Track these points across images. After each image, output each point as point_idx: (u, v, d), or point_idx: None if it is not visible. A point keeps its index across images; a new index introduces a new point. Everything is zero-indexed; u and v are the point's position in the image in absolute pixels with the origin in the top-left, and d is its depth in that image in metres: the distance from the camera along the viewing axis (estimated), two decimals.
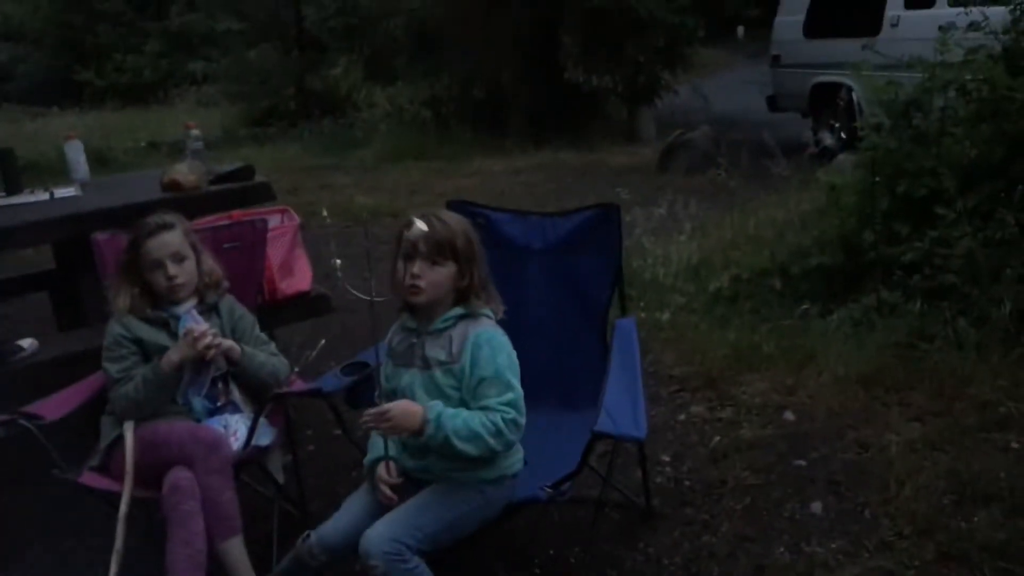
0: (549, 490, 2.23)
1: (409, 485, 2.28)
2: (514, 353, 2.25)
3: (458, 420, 2.13)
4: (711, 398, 3.59)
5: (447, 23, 12.00)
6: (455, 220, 2.29)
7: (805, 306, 4.14)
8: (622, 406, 2.27)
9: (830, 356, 3.68)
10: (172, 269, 2.61)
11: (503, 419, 2.14)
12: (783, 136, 6.37)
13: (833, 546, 2.61)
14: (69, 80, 21.31)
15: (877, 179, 4.17)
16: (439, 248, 2.21)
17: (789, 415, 3.39)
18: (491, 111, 11.72)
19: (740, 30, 21.75)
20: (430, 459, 2.26)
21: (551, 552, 2.73)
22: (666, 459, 3.19)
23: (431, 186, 9.19)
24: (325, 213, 6.78)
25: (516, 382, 2.20)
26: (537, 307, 2.79)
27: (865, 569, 2.49)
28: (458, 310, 2.26)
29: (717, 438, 3.28)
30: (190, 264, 2.65)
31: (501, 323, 2.31)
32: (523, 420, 2.19)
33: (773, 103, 9.81)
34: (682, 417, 3.49)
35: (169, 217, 2.67)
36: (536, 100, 11.41)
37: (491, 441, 2.13)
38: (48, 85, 21.40)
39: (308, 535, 2.29)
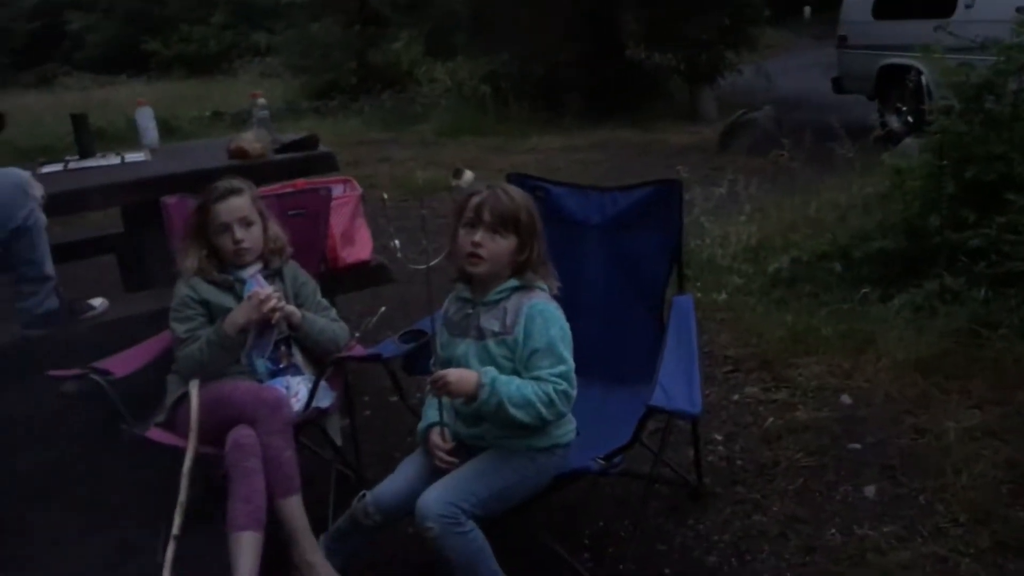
0: (601, 461, 2.24)
1: (463, 452, 2.32)
2: (567, 326, 2.27)
3: (512, 386, 2.17)
4: (766, 379, 3.57)
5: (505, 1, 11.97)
6: (519, 195, 2.32)
7: (865, 290, 4.08)
8: (677, 382, 2.28)
9: (889, 341, 3.63)
10: (239, 233, 2.68)
11: (555, 390, 2.17)
12: (848, 119, 6.27)
13: (886, 530, 2.60)
14: (137, 50, 21.74)
15: (945, 163, 4.08)
16: (503, 220, 2.24)
17: (845, 399, 3.36)
18: (550, 88, 11.67)
19: (807, 10, 21.26)
20: (483, 427, 2.29)
21: (601, 524, 2.76)
22: (719, 438, 3.19)
23: (488, 162, 9.21)
24: (385, 196, 6.85)
25: (568, 355, 2.23)
26: (593, 282, 2.80)
27: (918, 554, 2.47)
28: (513, 282, 2.29)
29: (771, 419, 3.27)
30: (256, 229, 2.72)
31: (556, 297, 2.33)
32: (574, 392, 2.22)
33: (838, 85, 9.62)
34: (736, 397, 3.48)
35: (238, 182, 2.73)
36: (595, 77, 11.34)
37: (543, 410, 2.16)
38: (117, 54, 21.89)
39: (363, 495, 2.34)
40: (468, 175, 2.32)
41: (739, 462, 3.04)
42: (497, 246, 2.25)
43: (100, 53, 22.91)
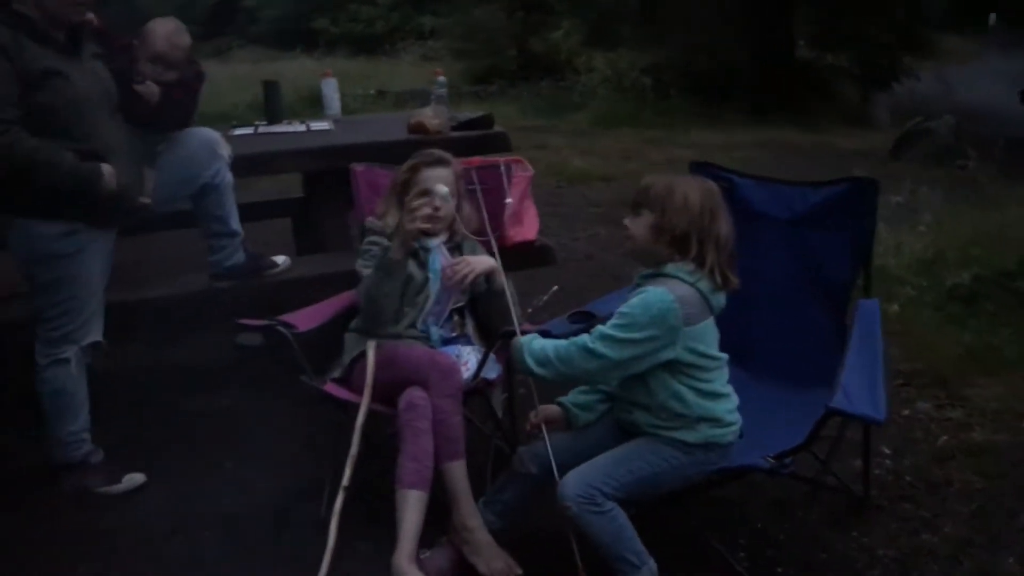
0: (772, 460, 2.20)
1: (618, 434, 2.36)
2: (666, 321, 2.14)
3: (537, 344, 2.27)
4: (940, 397, 3.41)
5: None
6: (665, 176, 2.30)
7: None
8: (860, 386, 2.21)
9: None
10: (437, 201, 2.76)
11: (577, 344, 2.20)
12: None
13: None
14: (307, 27, 22.58)
15: None
16: (635, 199, 2.27)
17: None
18: (713, 82, 11.46)
19: (992, 17, 20.12)
20: (636, 414, 2.31)
21: (758, 525, 2.69)
22: (887, 451, 3.06)
23: (645, 154, 9.14)
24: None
25: (635, 332, 2.13)
26: (774, 277, 2.73)
27: None
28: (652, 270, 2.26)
29: (944, 437, 3.12)
30: (452, 203, 2.80)
31: (735, 292, 2.27)
32: (599, 349, 2.15)
33: None
34: (907, 412, 3.33)
35: (447, 155, 2.82)
36: (762, 74, 11.06)
37: (558, 365, 2.22)
38: (288, 30, 22.79)
39: (519, 449, 2.49)
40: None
41: (907, 478, 2.91)
42: (635, 225, 2.26)
43: (272, 28, 23.90)
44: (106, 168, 2.70)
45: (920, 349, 3.77)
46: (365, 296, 2.74)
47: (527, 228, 3.73)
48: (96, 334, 2.88)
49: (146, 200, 2.94)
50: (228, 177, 3.21)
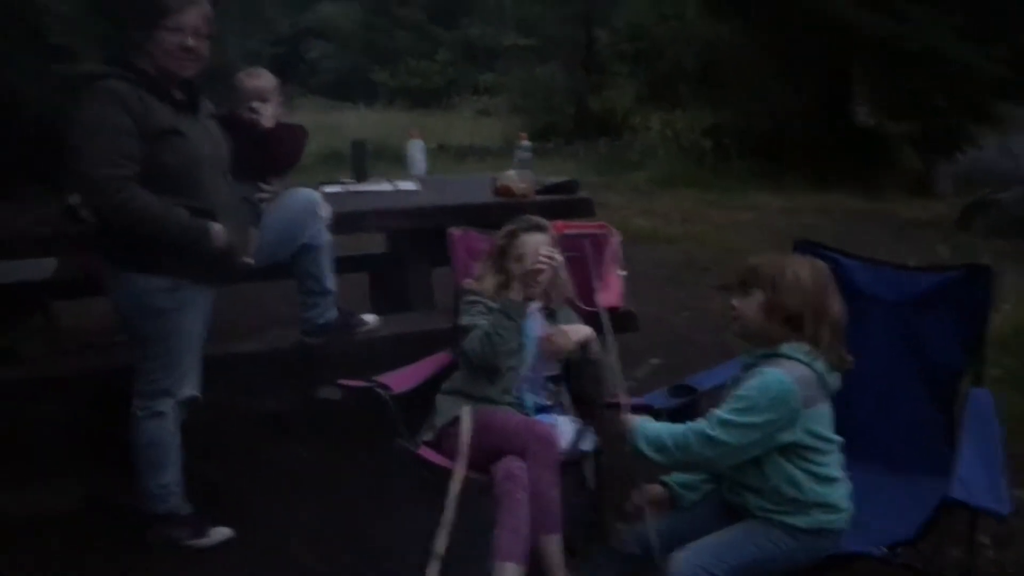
0: (885, 550, 2.16)
1: (722, 515, 2.31)
2: (793, 400, 2.10)
3: (651, 429, 2.21)
4: None
5: (737, 55, 11.90)
6: (776, 255, 2.28)
7: None
8: (978, 476, 2.16)
9: None
10: (544, 262, 2.79)
11: (694, 430, 2.14)
12: None
13: None
14: (366, 79, 23.10)
15: None
16: (743, 276, 2.25)
17: None
18: (773, 146, 11.47)
19: None
20: (745, 496, 2.26)
21: None
22: (985, 541, 2.96)
23: (705, 215, 9.13)
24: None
25: (754, 416, 2.09)
26: (876, 361, 2.66)
27: None
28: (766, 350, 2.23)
29: None
30: (550, 270, 2.82)
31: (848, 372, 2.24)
32: (719, 436, 2.11)
33: None
34: None
35: (544, 222, 2.85)
36: (822, 140, 11.05)
37: (675, 452, 2.16)
38: (347, 82, 23.34)
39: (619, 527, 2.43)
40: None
41: (1011, 572, 2.82)
42: (745, 305, 2.24)
43: (332, 79, 24.52)
44: (215, 227, 2.76)
45: (1012, 433, 3.66)
46: (481, 340, 2.72)
47: (613, 294, 3.74)
48: (192, 388, 2.91)
49: (249, 260, 3.00)
50: (326, 237, 3.26)
